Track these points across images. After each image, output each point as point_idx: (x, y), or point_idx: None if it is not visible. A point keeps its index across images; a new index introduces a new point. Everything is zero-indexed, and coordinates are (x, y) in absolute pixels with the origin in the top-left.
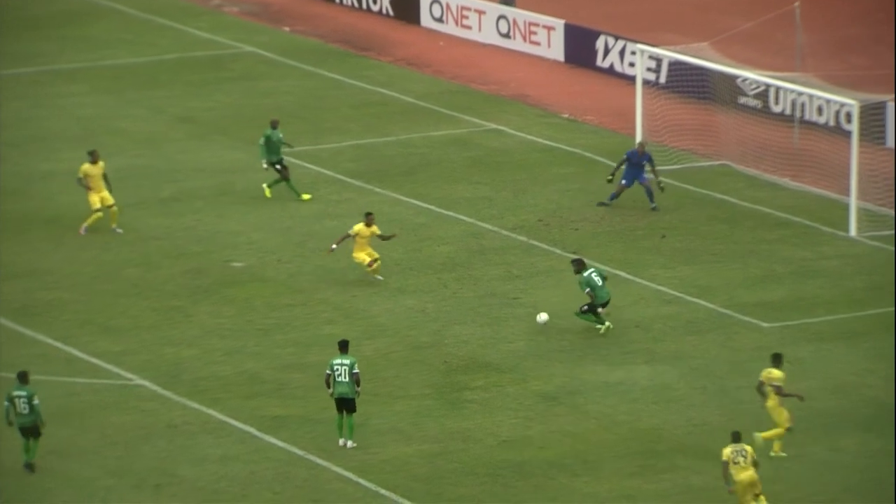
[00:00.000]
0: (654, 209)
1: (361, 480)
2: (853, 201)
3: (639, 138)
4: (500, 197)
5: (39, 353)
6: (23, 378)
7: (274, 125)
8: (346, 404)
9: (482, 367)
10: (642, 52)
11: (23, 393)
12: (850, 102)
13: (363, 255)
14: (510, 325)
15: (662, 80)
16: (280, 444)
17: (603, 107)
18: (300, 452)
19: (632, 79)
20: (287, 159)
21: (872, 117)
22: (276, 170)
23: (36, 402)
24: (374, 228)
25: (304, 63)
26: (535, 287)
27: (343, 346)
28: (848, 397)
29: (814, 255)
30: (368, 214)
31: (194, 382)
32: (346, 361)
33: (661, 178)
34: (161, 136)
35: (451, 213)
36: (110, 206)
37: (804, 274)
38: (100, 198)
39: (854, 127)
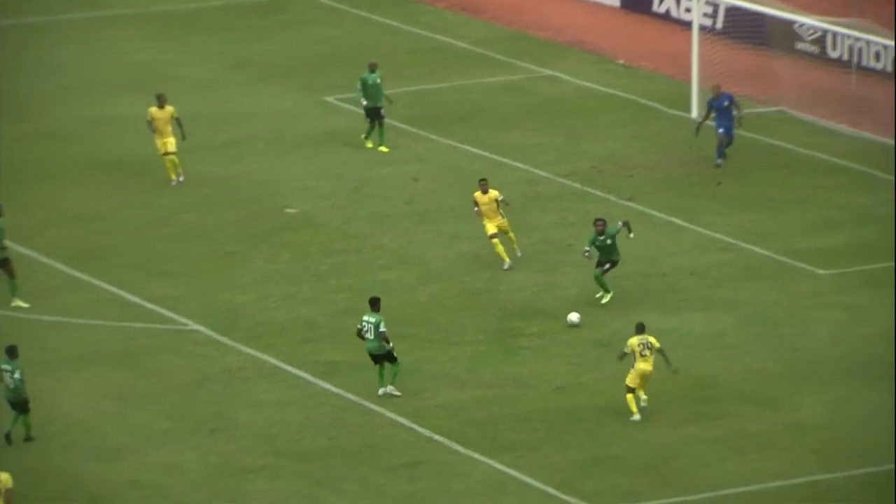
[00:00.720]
0: (717, 165)
1: (415, 426)
2: None
3: (695, 88)
4: (555, 143)
5: (95, 297)
6: (11, 352)
7: (371, 68)
8: (379, 358)
9: (537, 313)
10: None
11: (8, 367)
12: None
13: (490, 227)
14: (564, 271)
15: (719, 25)
16: (334, 389)
17: (659, 53)
18: (354, 398)
19: (688, 24)
20: (345, 106)
21: None
22: (368, 116)
23: (18, 376)
24: (493, 193)
25: (359, 9)
26: (590, 233)
27: (373, 304)
28: None
29: (871, 202)
30: (482, 181)
31: (249, 328)
32: (373, 320)
33: (743, 112)
34: (216, 82)
35: (505, 160)
36: (167, 154)
37: (861, 220)
38: (163, 143)
39: None
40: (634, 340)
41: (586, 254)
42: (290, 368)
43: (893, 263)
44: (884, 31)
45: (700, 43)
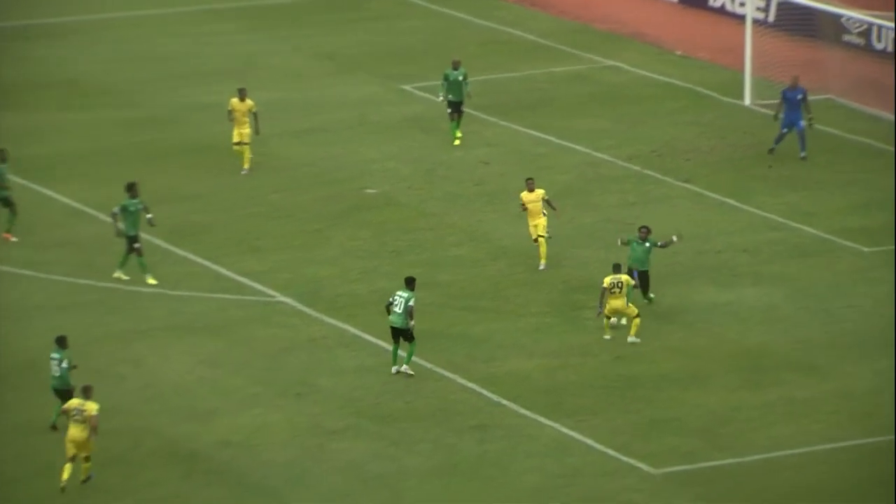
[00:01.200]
0: (802, 158)
1: (485, 391)
2: None
3: (748, 77)
4: (617, 129)
5: (190, 271)
6: (60, 342)
7: (455, 65)
8: (399, 333)
9: (599, 287)
10: None
11: (57, 356)
12: None
13: (532, 227)
14: (625, 249)
15: (771, 18)
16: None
17: (714, 44)
18: (429, 365)
19: (742, 18)
20: (421, 94)
21: None
22: (449, 110)
23: (65, 365)
24: (540, 192)
25: (433, 4)
26: (649, 213)
27: (408, 283)
28: None
29: None
30: (529, 180)
31: (332, 300)
32: (405, 295)
33: (811, 116)
34: (304, 72)
35: (569, 144)
36: (239, 144)
37: None
38: (238, 133)
39: None
40: (608, 279)
41: (619, 242)
42: (369, 337)
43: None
44: None
45: (753, 35)
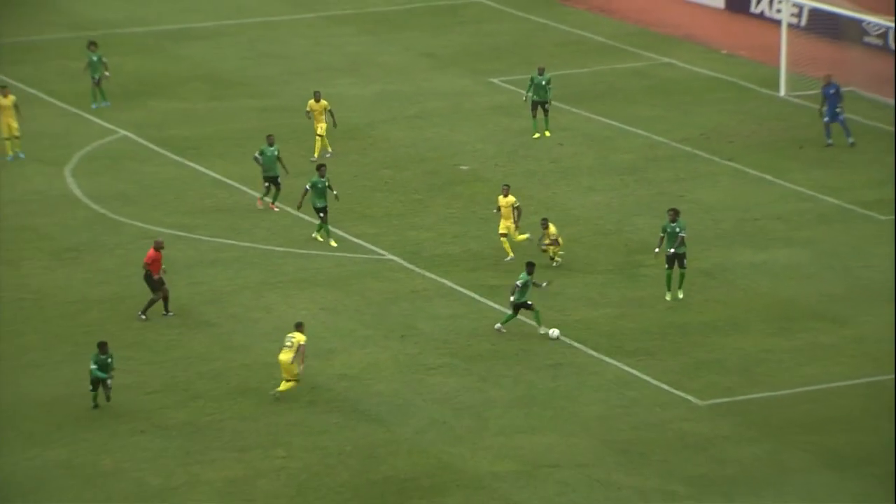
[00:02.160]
0: (851, 144)
1: (560, 335)
2: None
3: (783, 73)
4: (671, 116)
5: (306, 234)
6: (101, 348)
7: (540, 71)
8: (518, 307)
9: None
10: (788, 0)
11: (94, 359)
12: None
13: (502, 226)
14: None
15: (803, 23)
16: (496, 306)
17: (755, 44)
18: (505, 311)
19: (778, 22)
20: (506, 87)
21: None
22: (533, 109)
23: (106, 361)
24: (511, 199)
25: (517, 10)
26: (697, 187)
27: (529, 266)
28: None
29: None
30: (504, 186)
31: (430, 258)
32: (527, 279)
33: (843, 107)
34: (408, 68)
35: (631, 129)
36: (319, 136)
37: None
38: (318, 127)
39: None
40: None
41: (656, 252)
42: (461, 290)
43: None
44: None
45: (788, 37)
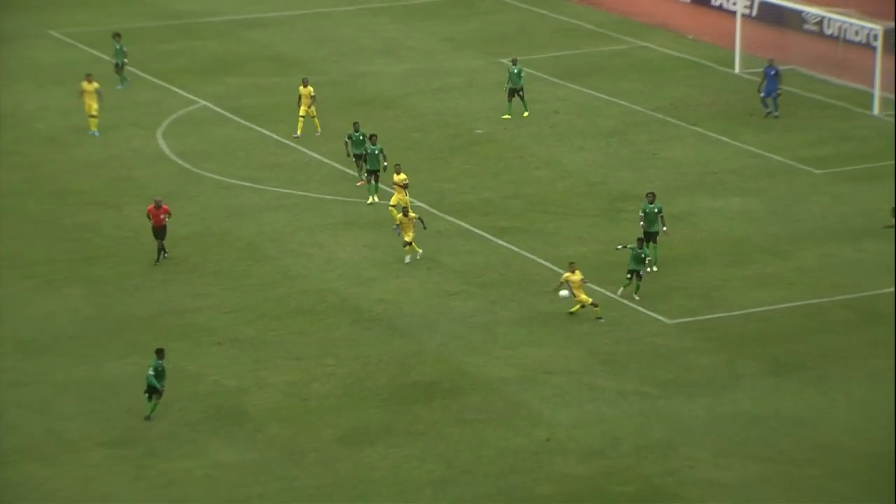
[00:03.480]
0: (775, 116)
1: (554, 267)
2: (876, 92)
3: (737, 54)
4: (646, 89)
5: (354, 184)
6: (159, 354)
7: (514, 62)
8: (635, 273)
9: (633, 197)
10: None
11: (153, 366)
12: (876, 27)
13: (394, 198)
14: (652, 171)
15: (754, 13)
16: (505, 244)
17: (714, 31)
18: (517, 249)
19: (734, 13)
20: (515, 68)
21: (890, 37)
22: (510, 97)
23: (161, 368)
24: (402, 177)
25: (522, 3)
26: (667, 147)
27: (641, 241)
28: (871, 217)
29: (850, 127)
30: (397, 165)
31: (451, 204)
32: (648, 255)
33: (780, 89)
34: (432, 50)
35: (614, 100)
36: (304, 116)
37: (843, 139)
38: (301, 109)
39: (878, 44)
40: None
41: (619, 248)
42: (476, 230)
43: (893, 237)
44: (861, 16)
45: (741, 25)
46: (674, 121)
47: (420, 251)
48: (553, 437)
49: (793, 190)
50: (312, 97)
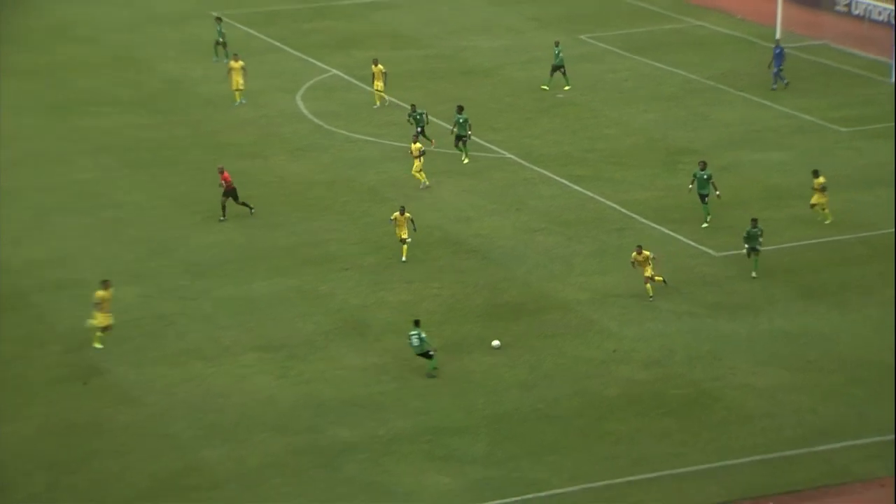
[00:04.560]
0: (773, 89)
1: (622, 209)
2: (894, 63)
3: (778, 33)
4: (701, 61)
5: (450, 140)
6: (417, 324)
7: (556, 44)
8: (752, 245)
9: (688, 151)
10: None
11: (414, 332)
12: (891, 8)
13: (415, 165)
14: (704, 130)
15: None
16: (580, 189)
17: (759, 11)
18: (591, 194)
19: None
20: (590, 41)
21: None
22: (553, 71)
23: (423, 336)
24: (419, 146)
25: None
26: (717, 110)
27: (752, 222)
28: (886, 169)
29: (872, 93)
30: (413, 134)
31: (537, 156)
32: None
33: (782, 66)
34: (522, 28)
35: (673, 69)
36: (377, 91)
37: (867, 102)
38: (376, 84)
39: (894, 21)
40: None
41: (690, 188)
42: (556, 178)
43: (894, 229)
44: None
45: (782, 6)
46: (723, 87)
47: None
48: (619, 349)
49: (822, 145)
50: (384, 73)
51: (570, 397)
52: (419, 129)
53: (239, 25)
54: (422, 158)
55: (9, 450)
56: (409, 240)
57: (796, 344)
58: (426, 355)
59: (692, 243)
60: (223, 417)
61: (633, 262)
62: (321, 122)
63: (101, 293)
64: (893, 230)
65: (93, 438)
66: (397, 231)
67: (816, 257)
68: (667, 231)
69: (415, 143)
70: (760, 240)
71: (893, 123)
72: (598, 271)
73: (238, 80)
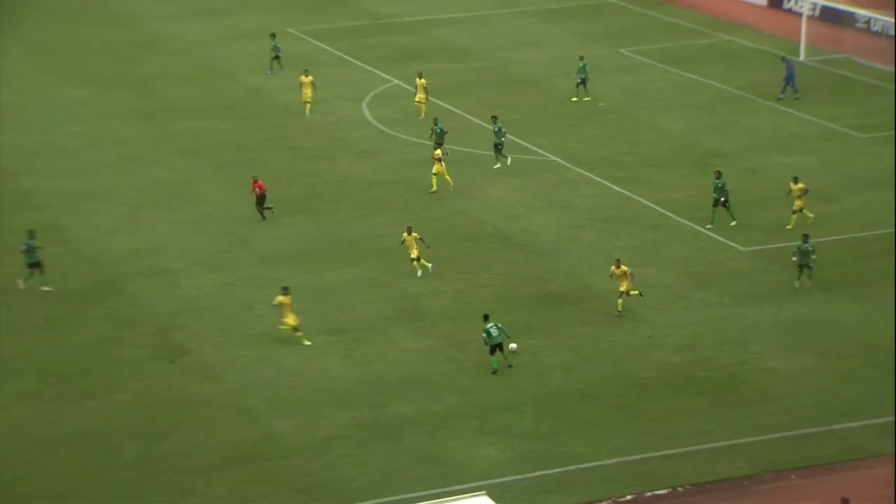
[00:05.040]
0: (780, 99)
1: (659, 208)
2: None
3: (803, 46)
4: (731, 73)
5: (509, 143)
6: (487, 318)
7: (580, 58)
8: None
9: (719, 155)
10: (806, 1)
11: (490, 325)
12: None
13: (434, 168)
14: (734, 135)
15: (817, 14)
16: (619, 189)
17: (785, 28)
18: (629, 193)
19: (800, 14)
20: (630, 55)
21: None
22: (577, 86)
23: (500, 325)
24: (437, 152)
25: (637, 6)
26: (747, 117)
27: (806, 233)
28: None
29: (890, 102)
30: (435, 147)
31: (579, 159)
32: (808, 246)
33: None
34: (567, 43)
35: (705, 80)
36: (419, 102)
37: (884, 111)
38: (419, 96)
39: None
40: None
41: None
42: (597, 179)
43: (894, 230)
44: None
45: (806, 23)
46: (753, 97)
47: (429, 265)
48: (654, 335)
49: (843, 150)
50: (425, 88)
51: (608, 378)
52: (438, 142)
53: (311, 40)
54: (442, 163)
55: (105, 421)
56: (423, 260)
57: (817, 331)
58: (499, 348)
59: (721, 239)
60: (294, 393)
61: (611, 275)
62: (384, 128)
63: (280, 298)
64: (894, 230)
65: (179, 411)
66: (409, 251)
67: (836, 252)
68: (698, 228)
69: (436, 149)
70: (813, 256)
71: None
72: (635, 264)
73: (307, 93)
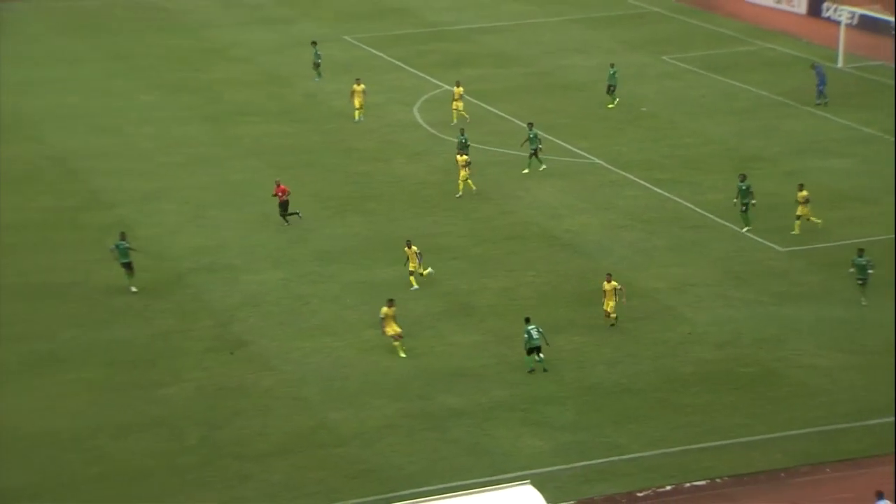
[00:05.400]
0: (817, 104)
1: (699, 209)
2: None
3: (840, 54)
4: (770, 79)
5: (551, 146)
6: (528, 320)
7: (611, 65)
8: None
9: (759, 159)
10: (844, 10)
11: (532, 327)
12: None
13: (461, 179)
14: (774, 139)
15: (854, 23)
16: (661, 191)
17: (823, 35)
18: (668, 195)
19: (839, 22)
20: (673, 62)
21: None
22: (608, 92)
23: (541, 330)
24: (465, 157)
25: (680, 15)
26: (785, 122)
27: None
28: None
29: None
30: (459, 156)
31: (623, 162)
32: (863, 260)
33: (823, 86)
34: (613, 49)
35: (745, 87)
36: (456, 103)
37: None
38: (457, 103)
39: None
40: (460, 158)
41: (735, 202)
42: (639, 181)
43: (894, 234)
44: None
45: (844, 31)
46: (792, 103)
47: (430, 269)
48: (693, 332)
49: (879, 154)
50: (461, 95)
51: (649, 373)
52: (462, 150)
53: (365, 47)
54: (468, 168)
55: (169, 409)
56: (423, 272)
57: (853, 329)
58: (538, 350)
59: (760, 240)
60: (347, 384)
61: (604, 292)
62: (435, 131)
63: (385, 310)
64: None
65: (238, 400)
66: (409, 263)
67: (874, 253)
68: (737, 229)
69: (461, 155)
70: (870, 271)
71: None
72: (675, 263)
73: (358, 101)
